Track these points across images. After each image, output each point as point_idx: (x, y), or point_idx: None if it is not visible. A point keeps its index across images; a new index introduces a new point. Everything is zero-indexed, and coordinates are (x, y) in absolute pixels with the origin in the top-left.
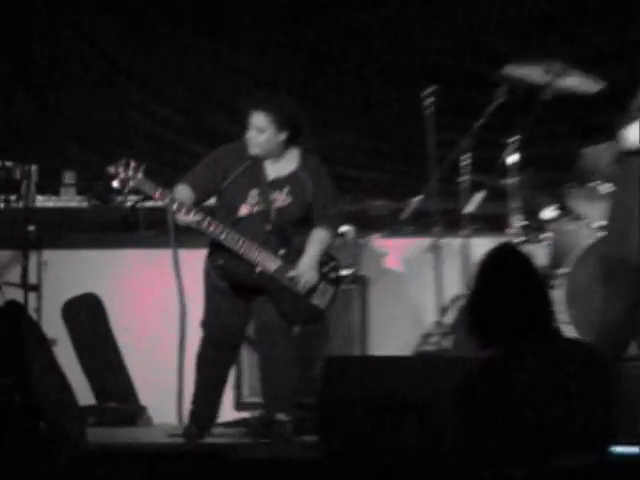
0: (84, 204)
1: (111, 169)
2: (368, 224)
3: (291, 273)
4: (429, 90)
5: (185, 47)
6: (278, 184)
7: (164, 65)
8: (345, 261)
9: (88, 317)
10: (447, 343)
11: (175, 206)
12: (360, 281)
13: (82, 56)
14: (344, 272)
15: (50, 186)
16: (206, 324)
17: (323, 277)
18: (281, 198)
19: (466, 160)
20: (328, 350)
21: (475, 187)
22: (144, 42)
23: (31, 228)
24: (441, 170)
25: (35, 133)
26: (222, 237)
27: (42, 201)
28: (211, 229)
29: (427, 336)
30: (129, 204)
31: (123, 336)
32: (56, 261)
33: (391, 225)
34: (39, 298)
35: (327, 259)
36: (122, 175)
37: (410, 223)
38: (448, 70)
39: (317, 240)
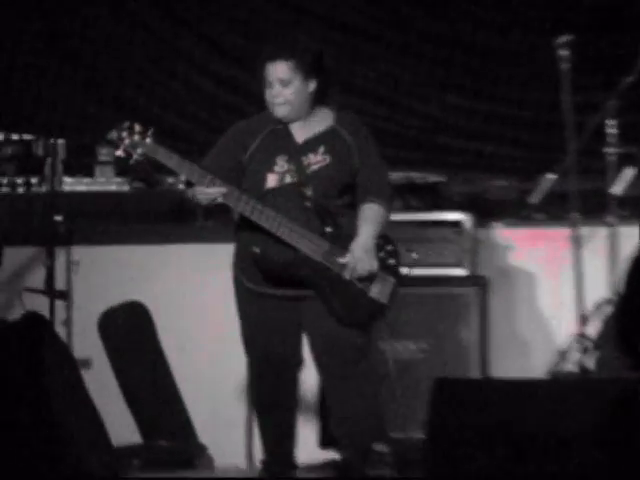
0: (125, 188)
1: (112, 135)
2: (488, 210)
3: (343, 260)
4: (563, 39)
5: None
6: (311, 145)
7: (226, 14)
8: (459, 258)
9: (131, 332)
10: (590, 362)
11: (196, 176)
12: (479, 283)
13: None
14: (458, 272)
15: (82, 165)
16: (248, 349)
17: (380, 264)
18: (316, 159)
19: (612, 127)
20: (435, 369)
21: (624, 161)
22: None
23: (58, 219)
24: (581, 140)
25: (62, 98)
26: (255, 215)
27: (71, 184)
28: (241, 205)
29: (565, 353)
30: (183, 186)
31: (177, 356)
32: (90, 260)
33: (517, 212)
34: (68, 308)
35: (383, 242)
36: (127, 141)
37: (541, 209)
38: (587, 13)
39: (370, 217)
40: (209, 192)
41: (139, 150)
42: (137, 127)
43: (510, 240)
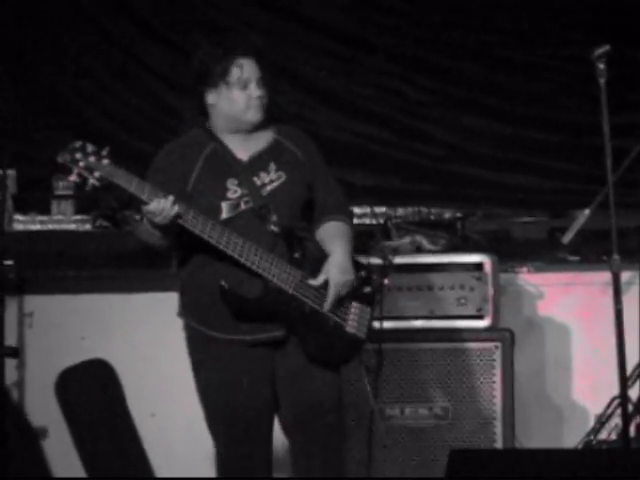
0: (86, 227)
1: (64, 157)
2: (513, 251)
3: (316, 281)
4: (601, 50)
5: None
6: (259, 162)
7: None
8: (480, 307)
9: (94, 395)
10: (632, 429)
11: (160, 198)
12: (503, 337)
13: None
14: (478, 324)
15: (36, 200)
16: (214, 411)
17: (354, 293)
18: (270, 178)
19: None
20: (452, 439)
21: None
22: None
23: (8, 263)
24: (622, 169)
25: (12, 122)
26: (223, 243)
27: (24, 223)
28: (207, 232)
29: (602, 418)
30: None
31: (147, 422)
32: (45, 312)
33: (547, 253)
34: (21, 367)
35: (355, 267)
36: (82, 163)
37: (576, 250)
38: (625, 18)
39: (340, 233)
40: (171, 213)
41: (96, 173)
42: (90, 147)
43: (539, 286)
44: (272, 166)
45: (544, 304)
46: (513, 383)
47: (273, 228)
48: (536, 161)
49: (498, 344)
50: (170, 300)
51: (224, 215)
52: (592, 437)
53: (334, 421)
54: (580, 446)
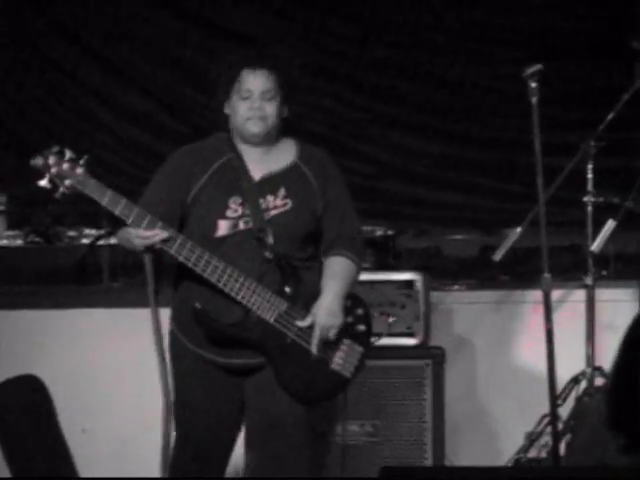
0: (19, 242)
1: (38, 161)
2: (444, 269)
3: (303, 322)
4: (533, 69)
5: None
6: (270, 185)
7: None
8: (410, 325)
9: (24, 411)
10: (561, 447)
11: (133, 217)
12: (433, 355)
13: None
14: (409, 341)
15: None
16: (180, 424)
17: (348, 330)
18: (275, 204)
19: (590, 173)
20: (383, 456)
21: (605, 213)
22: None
23: None
24: (553, 188)
25: None
26: (201, 266)
27: None
28: (185, 253)
29: (532, 436)
30: (86, 241)
31: (79, 438)
32: None
33: (479, 271)
34: None
35: (352, 304)
36: (54, 169)
37: (507, 268)
38: (559, 37)
39: (338, 273)
40: (147, 235)
41: (67, 182)
42: (68, 154)
43: (470, 304)
44: (282, 191)
45: (475, 322)
46: (444, 401)
47: (267, 254)
48: (468, 179)
49: (429, 362)
50: (102, 316)
51: (220, 232)
52: (522, 455)
53: (298, 438)
54: (510, 464)
